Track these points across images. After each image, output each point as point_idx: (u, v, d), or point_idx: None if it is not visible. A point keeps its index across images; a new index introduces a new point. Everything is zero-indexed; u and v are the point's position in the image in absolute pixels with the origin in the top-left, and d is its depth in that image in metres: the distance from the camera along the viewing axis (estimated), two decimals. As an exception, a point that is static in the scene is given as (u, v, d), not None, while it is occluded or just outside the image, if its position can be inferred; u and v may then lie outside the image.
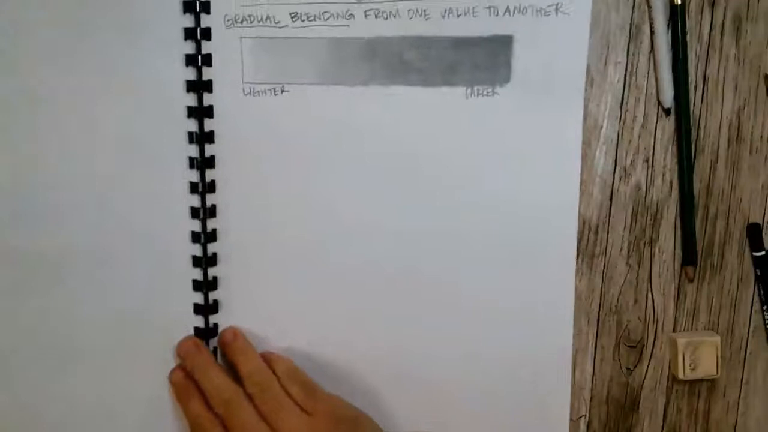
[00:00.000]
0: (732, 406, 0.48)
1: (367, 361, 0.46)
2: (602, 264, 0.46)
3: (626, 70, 0.45)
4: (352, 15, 0.43)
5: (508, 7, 0.42)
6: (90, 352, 0.45)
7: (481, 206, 0.45)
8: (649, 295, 0.47)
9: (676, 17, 0.44)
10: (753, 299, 0.47)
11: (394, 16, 0.43)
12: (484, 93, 0.44)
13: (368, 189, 0.45)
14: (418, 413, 0.47)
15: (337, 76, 0.43)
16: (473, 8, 0.42)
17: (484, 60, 0.43)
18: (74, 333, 0.44)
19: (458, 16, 0.43)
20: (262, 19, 0.42)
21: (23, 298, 0.44)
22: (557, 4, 0.42)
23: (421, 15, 0.43)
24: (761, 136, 0.46)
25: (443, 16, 0.43)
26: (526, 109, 0.44)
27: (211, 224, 0.44)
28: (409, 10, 0.43)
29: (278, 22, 0.43)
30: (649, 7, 0.44)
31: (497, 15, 0.43)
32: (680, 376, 0.47)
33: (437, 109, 0.44)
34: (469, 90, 0.44)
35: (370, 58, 0.43)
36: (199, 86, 0.43)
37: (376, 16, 0.43)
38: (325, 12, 0.42)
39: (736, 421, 0.49)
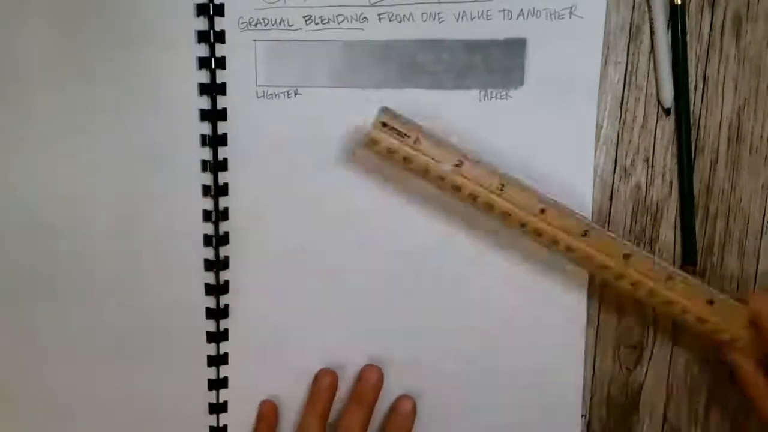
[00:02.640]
0: (732, 406, 0.48)
1: (380, 363, 0.46)
2: (602, 264, 0.46)
3: (626, 70, 0.45)
4: (365, 18, 0.42)
5: (521, 10, 0.42)
6: (97, 354, 0.45)
7: None
8: (649, 295, 0.47)
9: (676, 17, 0.44)
10: (753, 299, 0.47)
11: (408, 20, 0.42)
12: (498, 96, 0.43)
13: (382, 192, 0.44)
14: (428, 413, 0.47)
15: (350, 79, 0.43)
16: (487, 11, 0.42)
17: (497, 63, 0.43)
18: (84, 334, 0.45)
19: (472, 19, 0.42)
20: (276, 22, 0.42)
21: (36, 301, 0.44)
22: (571, 7, 0.42)
23: (434, 18, 0.42)
24: (761, 136, 0.46)
25: (457, 20, 0.42)
26: (539, 112, 0.44)
27: (223, 227, 0.44)
28: (422, 14, 0.42)
29: (292, 25, 0.42)
30: (649, 7, 0.44)
31: (511, 18, 0.42)
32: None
33: (450, 112, 0.43)
34: (482, 93, 0.43)
35: (383, 61, 0.43)
36: (213, 89, 0.42)
37: (389, 20, 0.42)
38: (339, 15, 0.42)
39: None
